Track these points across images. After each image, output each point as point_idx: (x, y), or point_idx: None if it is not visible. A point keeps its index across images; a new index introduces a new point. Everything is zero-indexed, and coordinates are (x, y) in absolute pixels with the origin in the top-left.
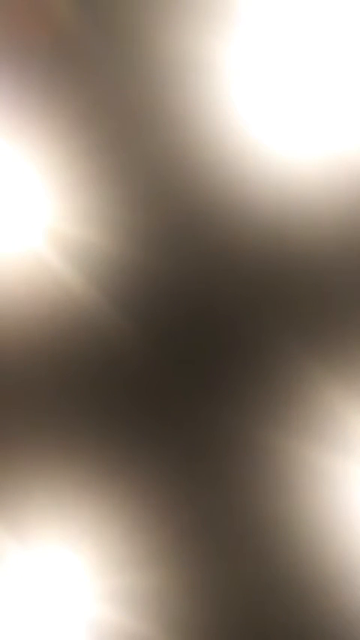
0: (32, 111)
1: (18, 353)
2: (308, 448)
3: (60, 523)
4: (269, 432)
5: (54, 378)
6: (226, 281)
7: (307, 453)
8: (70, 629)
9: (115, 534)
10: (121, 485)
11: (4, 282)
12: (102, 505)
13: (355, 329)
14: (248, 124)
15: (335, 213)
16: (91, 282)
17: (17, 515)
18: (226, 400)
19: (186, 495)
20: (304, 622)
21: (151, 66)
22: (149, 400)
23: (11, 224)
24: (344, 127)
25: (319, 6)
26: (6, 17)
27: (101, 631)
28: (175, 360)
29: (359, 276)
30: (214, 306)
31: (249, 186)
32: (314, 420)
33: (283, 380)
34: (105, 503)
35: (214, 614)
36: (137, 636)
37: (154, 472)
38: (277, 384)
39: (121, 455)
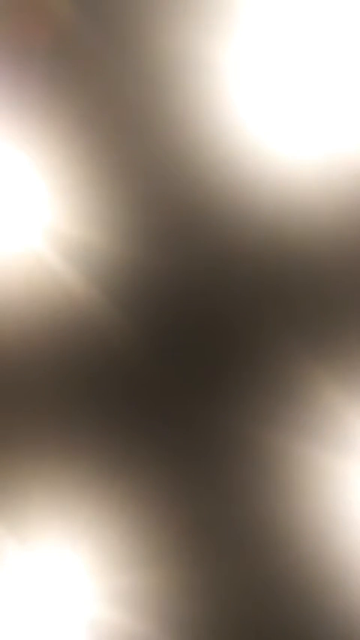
0: (32, 111)
1: (18, 353)
2: (308, 448)
3: (60, 523)
4: (269, 431)
5: (54, 378)
6: (226, 281)
7: (307, 453)
8: (70, 629)
9: (115, 534)
10: (121, 485)
11: (4, 282)
12: (102, 505)
13: (355, 329)
14: (248, 124)
15: (335, 213)
16: (91, 282)
17: (18, 515)
18: (226, 400)
19: (186, 495)
20: (303, 622)
21: (151, 66)
22: (149, 400)
23: (11, 224)
24: (344, 127)
25: (319, 6)
26: (6, 17)
27: (101, 631)
28: (174, 359)
29: (359, 276)
30: (214, 306)
31: (249, 186)
32: (314, 419)
33: (282, 380)
34: (105, 503)
35: (213, 614)
36: (137, 636)
37: (154, 472)
38: (277, 384)
39: (121, 455)
